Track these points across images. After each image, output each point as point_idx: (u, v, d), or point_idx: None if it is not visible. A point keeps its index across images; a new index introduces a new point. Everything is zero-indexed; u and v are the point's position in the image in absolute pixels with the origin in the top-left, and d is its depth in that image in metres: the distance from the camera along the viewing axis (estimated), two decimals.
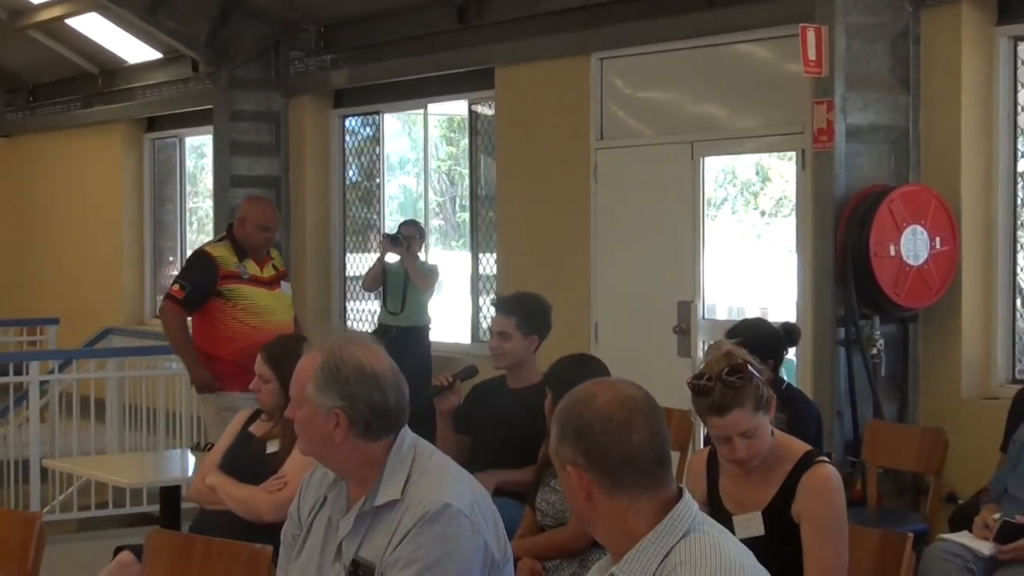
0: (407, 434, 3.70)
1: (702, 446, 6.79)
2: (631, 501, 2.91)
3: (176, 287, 8.10)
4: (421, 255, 11.46)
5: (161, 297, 15.25)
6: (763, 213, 11.09)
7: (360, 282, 12.34)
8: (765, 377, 4.67)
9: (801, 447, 4.69)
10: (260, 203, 8.50)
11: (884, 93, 7.97)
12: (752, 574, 2.87)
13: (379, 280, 11.34)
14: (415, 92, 12.17)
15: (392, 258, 11.17)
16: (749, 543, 4.37)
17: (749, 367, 4.54)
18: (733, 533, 4.44)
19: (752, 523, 4.59)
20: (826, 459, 4.68)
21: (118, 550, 5.86)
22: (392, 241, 11.09)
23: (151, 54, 14.77)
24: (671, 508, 2.92)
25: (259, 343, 7.42)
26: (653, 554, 2.88)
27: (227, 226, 8.43)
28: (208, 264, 8.03)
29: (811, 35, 7.79)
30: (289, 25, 12.90)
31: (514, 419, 6.19)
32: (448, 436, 6.34)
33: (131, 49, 14.91)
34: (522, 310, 6.46)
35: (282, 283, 8.25)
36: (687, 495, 2.96)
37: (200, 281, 8.00)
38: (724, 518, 4.60)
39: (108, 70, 15.70)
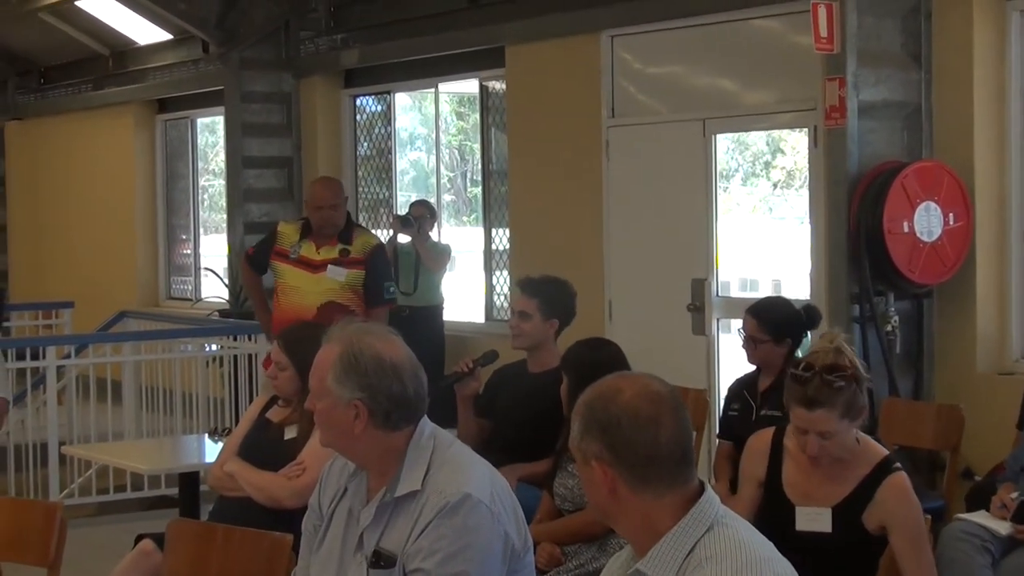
0: (426, 424, 3.71)
1: (718, 429, 6.78)
2: (656, 497, 2.91)
3: (252, 247, 9.00)
4: (433, 233, 11.46)
5: (176, 277, 15.69)
6: (775, 185, 11.08)
7: None
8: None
9: (880, 451, 4.66)
10: (316, 183, 8.68)
11: (896, 69, 7.95)
12: (777, 567, 2.87)
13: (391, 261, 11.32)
14: (426, 71, 12.15)
15: (403, 238, 11.17)
16: (810, 536, 4.44)
17: (857, 370, 4.50)
18: (792, 523, 4.50)
19: (821, 518, 4.57)
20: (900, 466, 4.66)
21: (139, 538, 5.88)
22: (403, 222, 11.10)
23: (161, 35, 14.78)
24: (694, 503, 2.92)
25: (280, 320, 7.93)
26: (678, 549, 2.89)
27: None
28: (270, 237, 8.49)
29: (822, 12, 7.76)
30: (299, 5, 12.89)
31: (534, 403, 6.19)
32: (469, 422, 6.36)
33: (141, 30, 14.91)
34: (546, 293, 6.45)
35: (329, 267, 8.20)
36: (709, 489, 2.97)
37: (261, 249, 8.54)
38: (784, 506, 4.61)
39: (119, 52, 15.70)
